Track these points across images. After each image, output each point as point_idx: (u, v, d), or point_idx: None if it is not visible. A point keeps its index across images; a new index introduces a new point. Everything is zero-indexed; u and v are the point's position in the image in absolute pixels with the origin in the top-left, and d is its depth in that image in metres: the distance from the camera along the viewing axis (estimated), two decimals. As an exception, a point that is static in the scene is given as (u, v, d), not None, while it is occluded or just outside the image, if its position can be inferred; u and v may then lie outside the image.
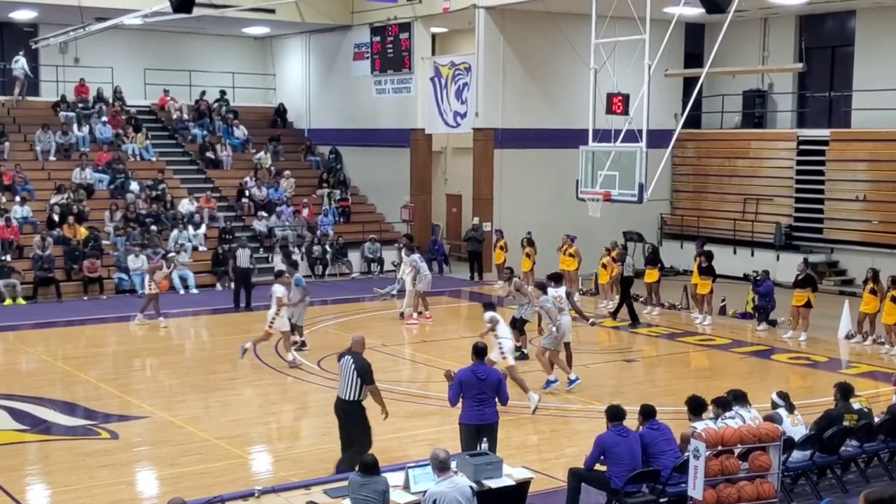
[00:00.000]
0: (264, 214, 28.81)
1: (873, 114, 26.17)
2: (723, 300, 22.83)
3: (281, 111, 34.59)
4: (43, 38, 28.30)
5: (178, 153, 31.30)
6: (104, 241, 25.79)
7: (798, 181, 27.90)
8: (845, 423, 11.45)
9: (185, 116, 32.16)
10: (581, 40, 20.93)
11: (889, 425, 11.83)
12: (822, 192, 27.31)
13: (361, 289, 25.80)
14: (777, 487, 10.15)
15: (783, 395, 11.60)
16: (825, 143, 27.38)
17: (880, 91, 25.91)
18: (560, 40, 25.63)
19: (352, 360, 11.21)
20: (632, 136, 17.57)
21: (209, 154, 30.82)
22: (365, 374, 11.11)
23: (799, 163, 27.90)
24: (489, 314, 15.29)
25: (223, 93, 33.51)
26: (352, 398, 11.14)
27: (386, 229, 30.26)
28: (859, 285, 22.30)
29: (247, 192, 29.51)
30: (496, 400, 11.15)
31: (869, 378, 17.03)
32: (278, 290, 17.45)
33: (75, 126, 29.67)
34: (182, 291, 25.20)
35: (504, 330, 15.03)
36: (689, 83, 28.03)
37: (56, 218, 25.69)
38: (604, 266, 23.61)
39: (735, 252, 27.74)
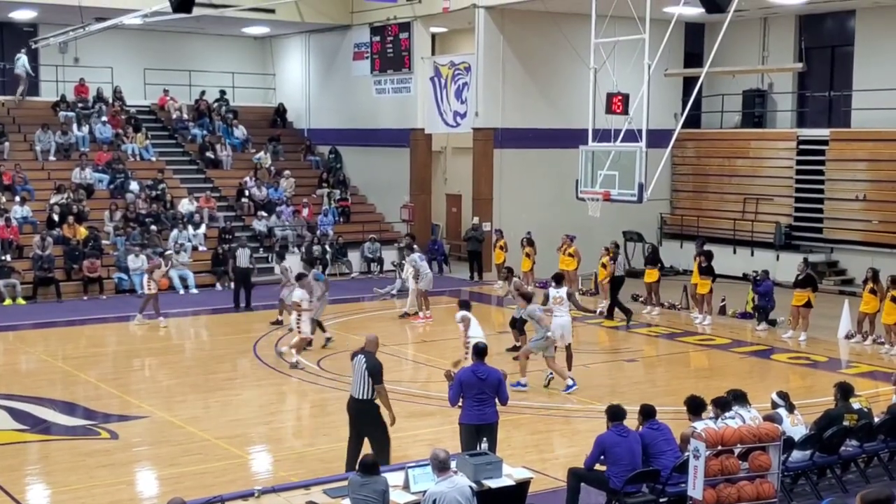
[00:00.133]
0: (264, 214, 28.81)
1: (873, 113, 26.17)
2: (723, 300, 22.83)
3: (281, 111, 34.59)
4: (43, 38, 28.30)
5: (178, 153, 31.30)
6: (104, 241, 25.79)
7: (798, 181, 27.90)
8: (845, 423, 11.45)
9: (185, 116, 32.16)
10: (581, 40, 20.92)
11: (889, 425, 11.83)
12: (821, 191, 27.31)
13: (361, 289, 25.80)
14: (777, 487, 10.15)
15: (783, 395, 11.60)
16: (825, 142, 27.38)
17: (880, 91, 25.92)
18: (560, 40, 25.63)
19: (364, 359, 11.24)
20: (631, 135, 17.57)
21: (209, 154, 30.82)
22: (375, 373, 11.14)
23: (799, 162, 27.90)
24: (461, 313, 15.34)
25: (223, 93, 33.51)
26: (364, 397, 11.16)
27: (386, 229, 30.26)
28: (859, 285, 22.30)
29: (247, 192, 29.51)
30: (496, 400, 11.14)
31: (869, 378, 17.03)
32: (297, 293, 17.43)
33: (75, 126, 29.67)
34: (182, 291, 25.21)
35: (476, 330, 15.03)
36: (688, 83, 28.03)
37: (56, 218, 25.69)
38: (603, 266, 23.57)
39: (735, 252, 27.74)
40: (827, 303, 22.00)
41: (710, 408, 10.93)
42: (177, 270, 25.26)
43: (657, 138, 18.86)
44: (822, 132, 27.64)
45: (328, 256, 27.95)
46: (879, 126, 26.14)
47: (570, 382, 15.82)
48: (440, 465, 8.68)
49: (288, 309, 20.76)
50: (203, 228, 27.56)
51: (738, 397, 11.13)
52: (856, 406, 11.75)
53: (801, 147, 27.88)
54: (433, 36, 31.57)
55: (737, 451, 10.11)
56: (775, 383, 15.82)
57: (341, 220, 30.10)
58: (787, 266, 24.75)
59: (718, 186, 29.92)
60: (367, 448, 11.03)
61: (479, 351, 11.42)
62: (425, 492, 8.76)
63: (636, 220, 27.71)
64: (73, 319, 21.92)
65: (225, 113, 32.66)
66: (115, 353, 19.45)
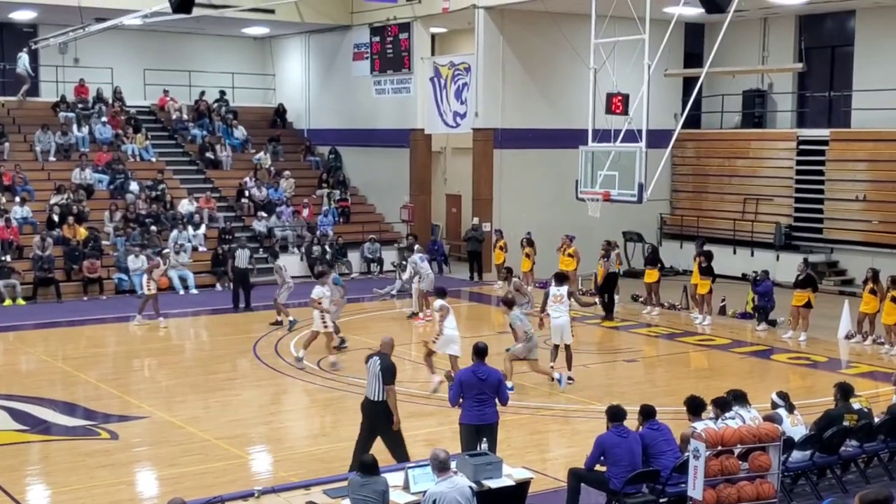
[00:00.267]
0: (264, 215, 28.81)
1: (873, 114, 26.17)
2: (723, 300, 22.82)
3: (280, 111, 34.59)
4: (43, 39, 28.29)
5: (178, 153, 31.31)
6: (104, 242, 25.79)
7: (798, 181, 27.90)
8: (845, 423, 11.44)
9: (185, 117, 32.16)
10: (581, 40, 20.92)
11: (889, 425, 11.83)
12: (821, 192, 27.31)
13: (361, 289, 25.77)
14: (777, 487, 10.15)
15: (783, 395, 11.60)
16: (825, 143, 27.38)
17: (880, 91, 25.91)
18: (560, 40, 25.63)
19: (379, 361, 11.33)
20: (631, 136, 17.57)
21: (209, 154, 30.82)
22: (387, 374, 11.21)
23: (799, 163, 27.90)
24: (440, 302, 15.90)
25: (223, 93, 33.51)
26: (379, 398, 11.21)
27: (386, 229, 30.27)
28: (859, 285, 22.29)
29: (246, 193, 29.51)
30: (496, 400, 11.14)
31: (869, 378, 17.03)
32: (317, 290, 17.44)
33: (75, 126, 29.67)
34: (182, 292, 25.21)
35: (451, 321, 15.49)
36: (688, 83, 28.02)
37: (56, 218, 25.69)
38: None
39: (735, 252, 27.74)
40: (827, 303, 22.00)
41: (710, 408, 10.93)
42: (177, 271, 25.28)
43: (657, 138, 18.86)
44: (822, 132, 27.63)
45: (328, 257, 27.94)
46: (879, 126, 26.14)
47: (556, 375, 15.97)
48: (440, 466, 8.68)
49: (282, 310, 20.86)
50: (203, 229, 27.56)
51: (738, 397, 11.13)
52: (856, 406, 11.75)
53: (801, 147, 27.87)
54: (433, 36, 31.57)
55: (737, 451, 10.10)
56: (775, 383, 15.81)
57: (341, 220, 30.10)
58: (787, 266, 24.74)
59: (718, 187, 29.92)
60: (375, 447, 11.07)
61: (480, 351, 11.41)
62: (425, 492, 8.76)
63: (636, 220, 27.71)
64: (73, 320, 21.92)
65: (225, 113, 32.66)
66: (115, 354, 19.45)
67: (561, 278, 17.31)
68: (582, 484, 10.32)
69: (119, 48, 31.68)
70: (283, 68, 35.16)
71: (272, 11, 29.40)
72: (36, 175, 27.96)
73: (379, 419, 11.24)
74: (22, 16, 29.73)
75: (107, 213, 26.88)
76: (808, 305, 20.10)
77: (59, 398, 15.47)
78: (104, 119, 30.28)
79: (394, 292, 24.77)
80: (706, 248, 22.90)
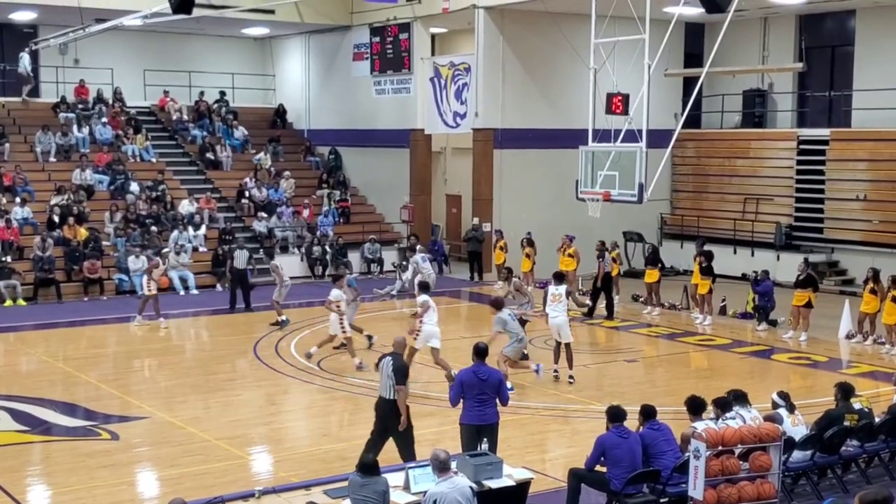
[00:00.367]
0: (264, 215, 28.81)
1: (873, 113, 26.17)
2: (723, 300, 22.82)
3: (280, 112, 34.59)
4: (43, 39, 28.30)
5: (178, 154, 31.31)
6: (104, 242, 25.79)
7: (798, 181, 27.90)
8: (846, 423, 11.44)
9: (185, 117, 32.16)
10: (581, 40, 20.92)
11: (890, 425, 11.83)
12: (822, 191, 27.31)
13: (361, 289, 25.54)
14: (777, 487, 10.15)
15: (784, 395, 11.59)
16: (825, 142, 27.38)
17: (880, 91, 25.91)
18: (560, 40, 25.63)
19: (391, 361, 11.42)
20: (632, 136, 17.56)
21: (209, 155, 30.82)
22: (398, 373, 11.29)
23: (799, 162, 27.89)
24: (423, 297, 16.00)
25: (223, 93, 33.51)
26: (392, 397, 11.30)
27: (386, 230, 30.27)
28: (859, 285, 22.31)
29: (247, 193, 29.52)
30: (497, 400, 11.14)
31: (869, 378, 17.04)
32: (334, 293, 17.43)
33: (75, 127, 29.67)
34: (182, 292, 25.21)
35: (431, 317, 15.64)
36: (688, 83, 28.02)
37: (56, 219, 25.69)
38: (604, 266, 23.63)
39: (735, 252, 27.74)
40: (827, 303, 21.99)
41: (710, 408, 10.92)
42: (177, 271, 25.28)
43: (657, 138, 18.85)
44: (823, 132, 27.63)
45: (328, 257, 27.96)
46: (879, 126, 26.14)
47: (533, 367, 16.13)
48: (440, 466, 8.68)
49: (279, 310, 20.87)
50: (203, 229, 27.55)
51: (738, 397, 11.13)
52: (856, 406, 11.74)
53: (802, 147, 27.87)
54: (433, 36, 31.57)
55: (737, 451, 10.10)
56: (776, 383, 15.81)
57: (341, 220, 30.10)
58: (787, 266, 24.74)
59: (719, 186, 29.92)
60: (386, 447, 11.12)
61: (480, 351, 11.41)
62: (426, 492, 8.76)
63: (636, 220, 27.70)
64: (74, 320, 21.92)
65: (225, 114, 32.66)
66: (115, 354, 19.45)
67: (559, 278, 17.34)
68: (582, 484, 10.32)
69: (119, 49, 31.68)
70: (283, 68, 35.15)
71: (272, 12, 29.40)
72: (36, 176, 27.96)
73: (391, 419, 11.30)
74: (22, 16, 29.73)
75: (107, 214, 26.88)
76: (808, 305, 20.09)
77: (60, 399, 15.46)
78: (104, 120, 30.28)
79: (394, 292, 24.77)
80: (706, 247, 22.90)
